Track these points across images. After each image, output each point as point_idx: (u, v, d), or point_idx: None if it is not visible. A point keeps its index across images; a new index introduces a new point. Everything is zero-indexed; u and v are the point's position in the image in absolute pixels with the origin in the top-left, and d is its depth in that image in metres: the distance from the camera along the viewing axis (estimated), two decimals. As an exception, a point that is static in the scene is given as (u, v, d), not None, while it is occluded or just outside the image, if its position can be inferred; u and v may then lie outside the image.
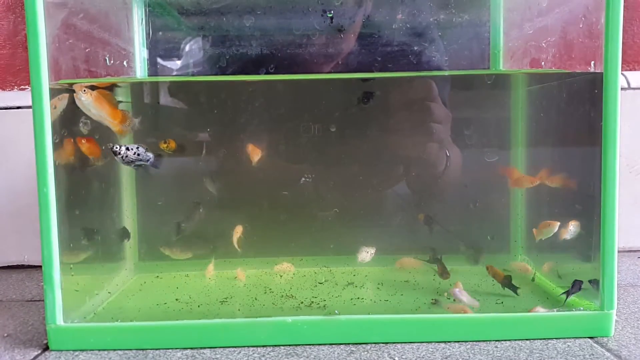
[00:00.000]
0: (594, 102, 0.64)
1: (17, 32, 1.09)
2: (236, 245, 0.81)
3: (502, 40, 0.88)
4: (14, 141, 1.04)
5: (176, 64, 0.89)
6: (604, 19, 0.62)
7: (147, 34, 0.86)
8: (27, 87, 1.09)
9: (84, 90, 0.68)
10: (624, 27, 0.62)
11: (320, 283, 0.82)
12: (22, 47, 1.09)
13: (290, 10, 0.81)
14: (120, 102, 0.79)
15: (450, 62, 0.85)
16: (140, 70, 0.87)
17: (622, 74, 1.06)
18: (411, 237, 0.88)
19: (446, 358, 0.61)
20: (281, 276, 0.84)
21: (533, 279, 0.80)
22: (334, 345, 0.64)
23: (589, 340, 0.64)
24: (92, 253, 0.77)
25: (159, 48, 0.88)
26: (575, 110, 0.73)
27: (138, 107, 0.86)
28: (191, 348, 0.64)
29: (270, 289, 0.80)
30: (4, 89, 1.09)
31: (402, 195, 0.90)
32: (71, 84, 0.69)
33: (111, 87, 0.76)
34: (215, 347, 0.64)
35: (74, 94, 0.68)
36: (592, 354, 0.61)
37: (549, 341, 0.64)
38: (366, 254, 0.82)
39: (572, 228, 0.72)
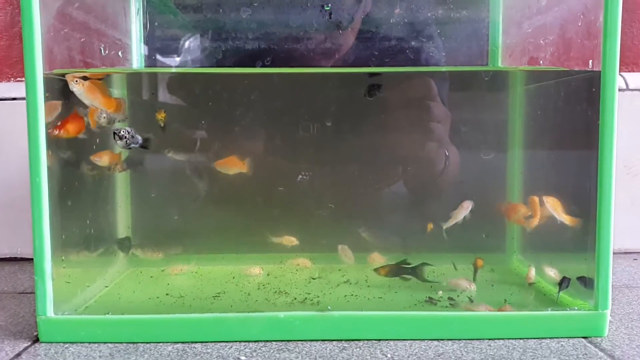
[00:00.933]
0: (591, 101, 0.64)
1: (15, 24, 1.09)
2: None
3: (501, 37, 0.87)
4: (8, 132, 1.04)
5: (175, 60, 0.88)
6: (603, 18, 0.62)
7: (144, 26, 0.86)
8: (23, 79, 1.08)
9: (76, 81, 0.67)
10: (623, 28, 0.62)
11: (314, 279, 0.81)
12: (19, 39, 1.09)
13: (288, 4, 0.81)
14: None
15: (448, 58, 0.85)
16: (136, 62, 0.87)
17: (620, 75, 1.05)
18: (407, 235, 0.88)
19: (439, 356, 0.60)
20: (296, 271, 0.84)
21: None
22: (326, 342, 0.64)
23: (582, 340, 0.64)
24: (85, 245, 0.76)
25: (156, 42, 0.88)
26: (573, 109, 0.73)
27: (133, 98, 0.85)
28: (182, 342, 0.64)
29: (264, 285, 0.79)
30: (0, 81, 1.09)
31: (399, 194, 0.89)
32: (64, 74, 0.69)
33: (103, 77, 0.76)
34: (207, 342, 0.64)
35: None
36: (586, 354, 0.60)
37: (543, 340, 0.64)
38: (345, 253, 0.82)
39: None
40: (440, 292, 0.75)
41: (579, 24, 0.69)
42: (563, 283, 0.71)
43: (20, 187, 1.04)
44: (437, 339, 0.64)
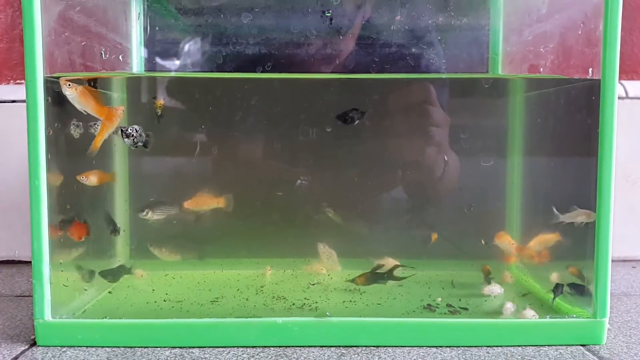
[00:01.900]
0: (591, 109, 0.64)
1: (15, 26, 1.09)
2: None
3: (501, 45, 0.88)
4: (6, 135, 1.03)
5: (175, 64, 0.88)
6: (602, 26, 0.62)
7: (145, 30, 0.86)
8: (23, 81, 1.08)
9: (69, 85, 0.66)
10: (623, 37, 0.63)
11: (313, 285, 0.81)
12: (20, 42, 1.09)
13: (289, 9, 0.81)
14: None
15: (449, 65, 0.85)
16: (136, 66, 0.87)
17: (620, 83, 1.06)
18: (406, 240, 0.88)
19: (437, 363, 0.60)
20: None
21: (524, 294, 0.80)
22: (324, 348, 0.64)
23: (581, 347, 0.64)
24: (83, 249, 0.76)
25: (157, 46, 0.88)
26: (573, 117, 0.73)
27: (133, 102, 0.85)
28: (180, 347, 0.64)
29: (262, 290, 0.79)
30: (-1, 83, 1.09)
31: (398, 199, 0.89)
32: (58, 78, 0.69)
33: (94, 81, 0.75)
34: (204, 347, 0.64)
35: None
36: (584, 362, 0.60)
37: (541, 348, 0.64)
38: (326, 254, 0.82)
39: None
40: (440, 298, 0.75)
41: (579, 32, 0.69)
42: (557, 289, 0.71)
43: (18, 190, 1.03)
44: (436, 346, 0.64)
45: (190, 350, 0.63)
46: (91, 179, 0.74)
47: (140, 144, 0.72)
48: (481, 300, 0.75)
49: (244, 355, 0.62)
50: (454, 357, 0.61)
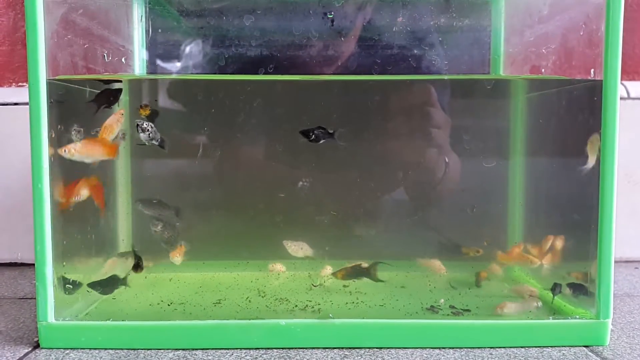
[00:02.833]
0: (593, 109, 0.64)
1: (17, 29, 1.09)
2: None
3: (503, 46, 0.88)
4: (9, 137, 1.04)
5: (177, 66, 0.88)
6: (604, 27, 0.62)
7: (147, 32, 0.86)
8: (24, 84, 1.08)
9: (65, 151, 0.66)
10: (624, 37, 0.62)
11: (315, 286, 0.81)
12: (21, 44, 1.09)
13: (290, 11, 0.81)
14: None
15: (450, 66, 0.85)
16: (138, 68, 0.87)
17: (622, 83, 1.06)
18: (409, 242, 0.88)
19: (440, 364, 0.60)
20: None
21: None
22: (327, 349, 0.64)
23: (584, 348, 0.64)
24: (86, 251, 0.76)
25: (159, 48, 0.88)
26: (575, 118, 0.73)
27: (135, 104, 0.85)
28: (183, 349, 0.64)
29: (264, 292, 0.79)
30: (1, 86, 1.09)
31: (399, 201, 0.89)
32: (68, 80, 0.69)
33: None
34: (207, 349, 0.64)
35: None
36: (588, 363, 0.60)
37: (544, 349, 0.64)
38: (296, 247, 0.81)
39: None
40: (442, 300, 0.75)
41: (581, 33, 0.69)
42: (556, 289, 0.71)
43: (21, 193, 1.04)
44: (439, 347, 0.64)
45: (194, 352, 0.63)
46: (82, 193, 0.71)
47: (155, 141, 0.72)
48: (482, 300, 0.75)
49: (247, 357, 0.62)
50: (457, 359, 0.61)
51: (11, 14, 1.09)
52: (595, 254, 0.65)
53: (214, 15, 0.83)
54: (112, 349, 0.64)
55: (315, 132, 0.75)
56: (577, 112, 0.72)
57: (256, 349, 0.64)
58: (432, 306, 0.73)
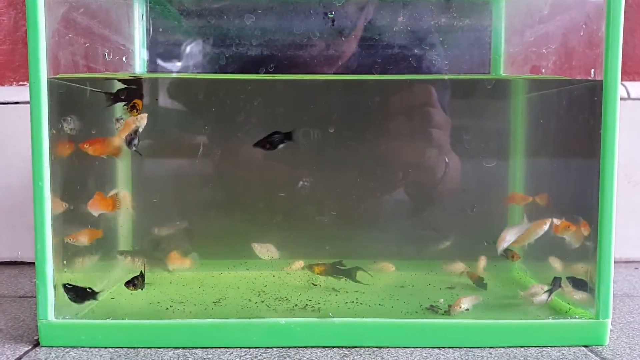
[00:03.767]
0: (593, 110, 0.64)
1: (18, 28, 1.09)
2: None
3: (503, 46, 0.88)
4: (10, 136, 1.04)
5: (177, 65, 0.89)
6: (605, 27, 0.62)
7: (148, 31, 0.86)
8: (25, 83, 1.08)
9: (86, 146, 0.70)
10: (625, 38, 0.63)
11: (315, 285, 0.81)
12: (22, 43, 1.09)
13: (291, 11, 0.81)
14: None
15: (451, 66, 0.85)
16: (139, 67, 0.87)
17: (622, 84, 1.06)
18: (408, 242, 0.88)
19: (440, 363, 0.60)
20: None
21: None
22: (327, 348, 0.64)
23: (583, 348, 0.64)
24: (86, 249, 0.76)
25: (159, 47, 0.88)
26: (575, 118, 0.73)
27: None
28: (183, 348, 0.64)
29: (264, 291, 0.79)
30: (2, 85, 1.09)
31: (398, 201, 0.89)
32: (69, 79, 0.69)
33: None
34: (207, 348, 0.64)
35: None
36: (587, 363, 0.61)
37: (544, 349, 0.64)
38: (265, 250, 0.81)
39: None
40: (442, 300, 0.75)
41: (581, 33, 0.69)
42: (555, 284, 0.71)
43: (21, 191, 1.04)
44: (438, 347, 0.64)
45: (194, 350, 0.63)
46: (81, 239, 0.72)
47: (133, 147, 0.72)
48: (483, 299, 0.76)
49: (247, 356, 0.62)
50: (456, 358, 0.61)
51: (12, 12, 1.09)
52: (595, 254, 0.65)
53: (215, 15, 0.83)
54: (112, 347, 0.64)
55: (270, 139, 0.75)
56: (577, 112, 0.72)
57: (256, 347, 0.64)
58: (431, 305, 0.73)
